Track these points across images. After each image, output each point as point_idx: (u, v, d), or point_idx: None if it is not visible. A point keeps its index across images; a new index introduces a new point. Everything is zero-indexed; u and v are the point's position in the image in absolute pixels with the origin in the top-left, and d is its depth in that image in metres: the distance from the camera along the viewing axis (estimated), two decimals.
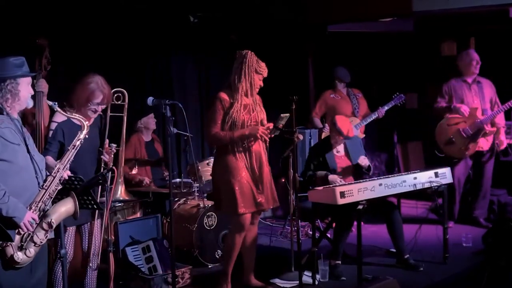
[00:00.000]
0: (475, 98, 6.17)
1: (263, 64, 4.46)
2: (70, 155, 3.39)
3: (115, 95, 4.43)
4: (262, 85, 4.53)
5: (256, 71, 4.43)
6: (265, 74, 4.49)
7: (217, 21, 6.70)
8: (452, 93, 6.25)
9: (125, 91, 4.27)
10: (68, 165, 3.35)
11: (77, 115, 3.58)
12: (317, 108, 6.77)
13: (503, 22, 6.68)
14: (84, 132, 3.45)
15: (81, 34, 5.69)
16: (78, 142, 3.42)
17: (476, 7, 6.19)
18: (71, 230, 4.02)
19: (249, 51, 4.47)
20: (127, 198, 4.67)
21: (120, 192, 4.58)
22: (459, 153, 6.19)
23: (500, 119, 6.20)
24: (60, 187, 3.28)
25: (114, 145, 4.17)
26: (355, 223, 4.73)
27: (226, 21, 6.78)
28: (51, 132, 3.99)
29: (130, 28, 6.06)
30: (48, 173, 3.30)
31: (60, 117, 4.01)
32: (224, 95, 4.43)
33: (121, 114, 4.43)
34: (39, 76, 4.37)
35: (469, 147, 6.13)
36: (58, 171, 3.28)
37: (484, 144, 6.23)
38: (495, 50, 7.08)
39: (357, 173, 5.38)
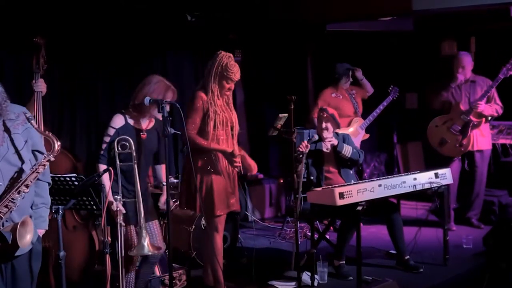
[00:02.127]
0: (465, 97, 6.19)
1: (235, 68, 4.34)
2: (29, 177, 2.86)
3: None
4: (232, 87, 4.43)
5: (226, 75, 4.32)
6: (235, 78, 4.38)
7: (215, 20, 6.65)
8: (450, 97, 6.28)
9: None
10: (26, 188, 2.83)
11: (50, 134, 2.98)
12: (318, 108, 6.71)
13: (503, 21, 6.63)
14: (55, 152, 2.93)
15: (78, 34, 5.65)
16: (41, 168, 2.89)
17: (477, 6, 6.15)
18: (131, 228, 4.02)
19: (223, 53, 4.37)
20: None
21: None
22: (455, 151, 6.20)
23: (487, 109, 6.10)
24: (16, 206, 2.84)
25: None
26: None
27: (224, 20, 6.73)
28: (108, 138, 3.95)
29: (127, 28, 6.02)
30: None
31: (118, 122, 3.99)
32: (203, 95, 4.37)
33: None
34: (37, 76, 4.29)
35: (463, 142, 6.14)
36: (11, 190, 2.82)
37: (482, 144, 6.22)
38: (495, 49, 7.05)
39: (338, 158, 5.34)
